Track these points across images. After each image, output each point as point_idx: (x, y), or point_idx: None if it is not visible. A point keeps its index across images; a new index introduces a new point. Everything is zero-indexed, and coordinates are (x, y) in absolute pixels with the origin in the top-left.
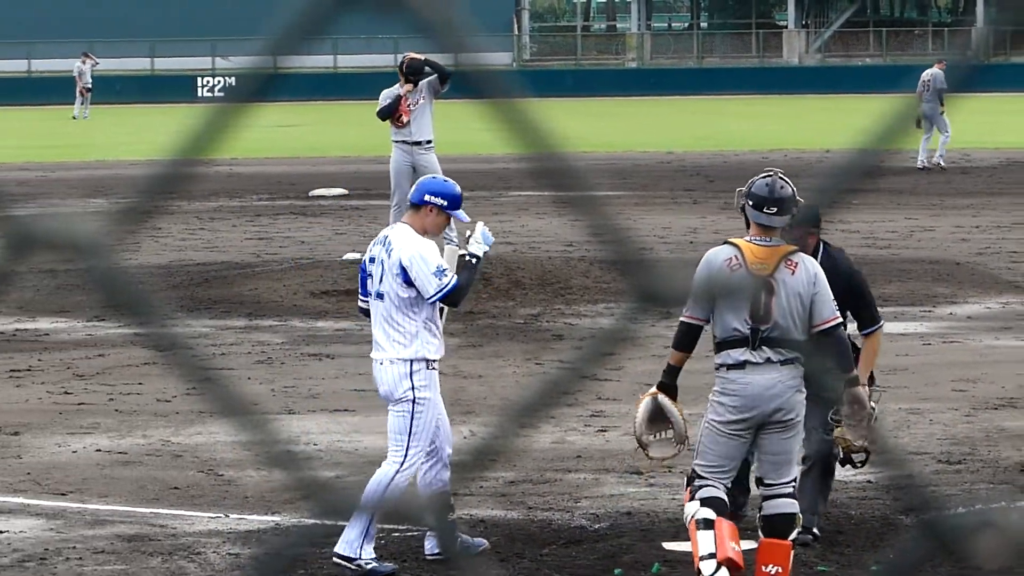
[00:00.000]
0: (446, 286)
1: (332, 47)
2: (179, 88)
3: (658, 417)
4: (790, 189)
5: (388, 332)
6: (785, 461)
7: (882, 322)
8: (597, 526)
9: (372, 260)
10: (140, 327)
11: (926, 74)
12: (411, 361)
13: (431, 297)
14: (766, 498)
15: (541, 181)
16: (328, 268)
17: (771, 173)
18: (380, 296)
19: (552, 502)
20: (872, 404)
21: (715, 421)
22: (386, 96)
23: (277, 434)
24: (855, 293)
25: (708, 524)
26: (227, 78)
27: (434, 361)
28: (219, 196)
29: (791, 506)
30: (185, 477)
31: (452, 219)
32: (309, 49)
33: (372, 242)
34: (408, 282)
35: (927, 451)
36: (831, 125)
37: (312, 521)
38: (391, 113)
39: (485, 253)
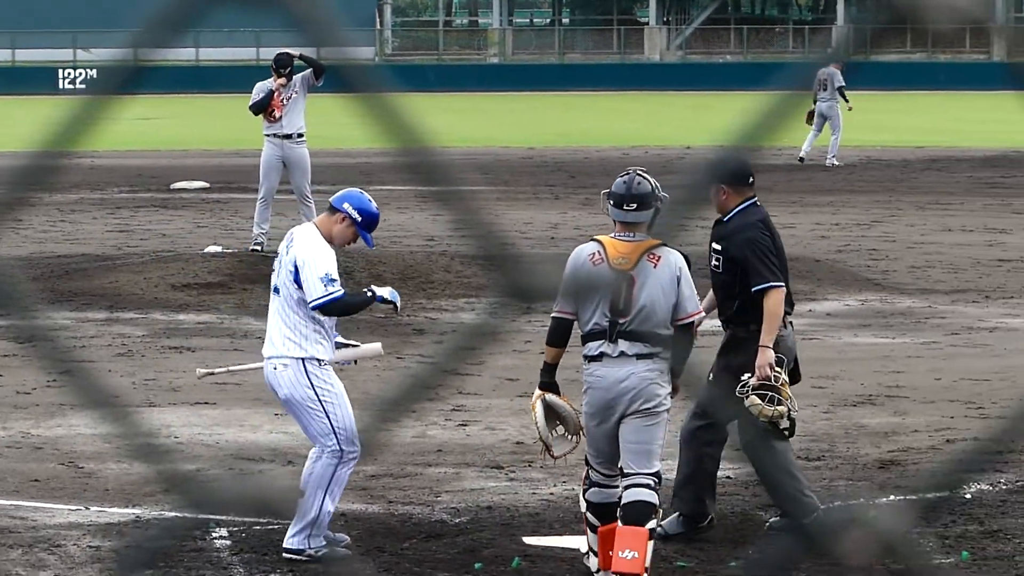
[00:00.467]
0: (328, 295)
1: (194, 40)
2: (41, 80)
3: (551, 416)
4: (649, 185)
5: (281, 329)
6: (645, 451)
7: (775, 284)
8: (457, 520)
9: (276, 255)
10: (0, 318)
11: (822, 72)
12: (303, 360)
13: (311, 303)
14: (627, 487)
15: (404, 175)
16: (189, 261)
17: (630, 171)
18: (276, 291)
19: (412, 496)
20: (779, 371)
21: (584, 411)
22: (260, 90)
23: (138, 427)
24: (748, 250)
25: (594, 528)
26: (89, 70)
27: (324, 361)
28: (80, 188)
29: (650, 495)
30: (45, 469)
31: (358, 239)
32: (172, 42)
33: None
34: (298, 282)
35: None
36: (692, 122)
37: (173, 514)
38: (264, 108)
39: (383, 300)
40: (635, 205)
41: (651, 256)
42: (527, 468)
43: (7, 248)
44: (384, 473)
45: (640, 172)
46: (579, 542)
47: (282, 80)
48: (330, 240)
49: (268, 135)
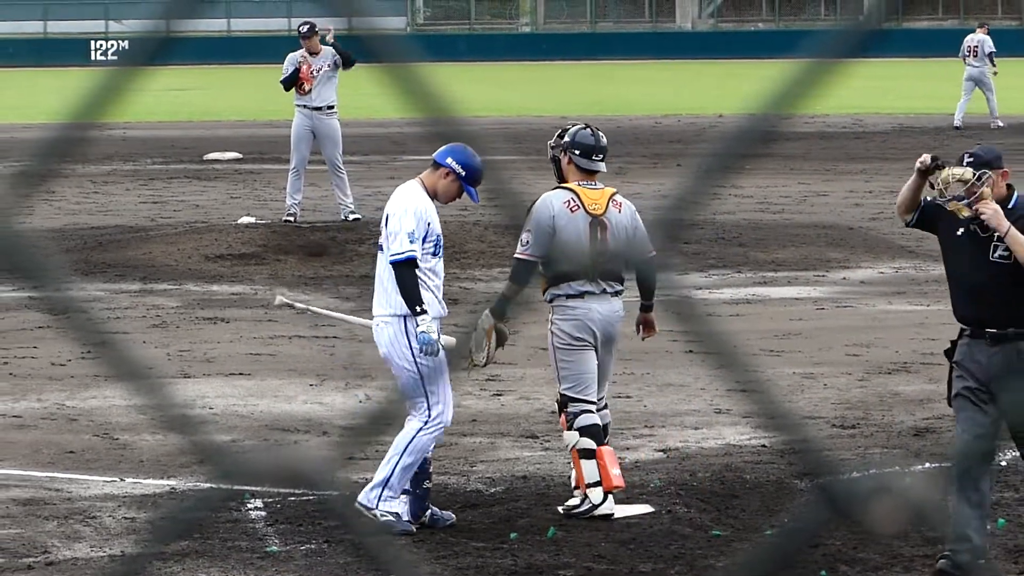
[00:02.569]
0: (404, 253)
1: (225, 11)
2: (73, 52)
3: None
4: (605, 139)
5: (385, 286)
6: (608, 379)
7: None
8: (493, 490)
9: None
10: (35, 290)
11: (971, 39)
12: (403, 318)
13: (391, 256)
14: (598, 409)
15: (436, 145)
16: (223, 232)
17: (586, 125)
18: (381, 248)
19: (448, 466)
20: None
21: (563, 343)
22: (290, 62)
23: (172, 398)
24: None
25: (590, 454)
26: (121, 41)
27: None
28: (113, 160)
29: (608, 416)
30: (80, 441)
31: (463, 194)
32: (203, 13)
33: None
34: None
35: (821, 415)
36: (724, 90)
37: (208, 485)
38: (293, 83)
39: (420, 325)
40: (601, 156)
41: (615, 203)
42: (562, 438)
43: (40, 220)
44: None
45: (594, 127)
46: (617, 509)
47: (312, 42)
48: (434, 196)
49: (299, 105)
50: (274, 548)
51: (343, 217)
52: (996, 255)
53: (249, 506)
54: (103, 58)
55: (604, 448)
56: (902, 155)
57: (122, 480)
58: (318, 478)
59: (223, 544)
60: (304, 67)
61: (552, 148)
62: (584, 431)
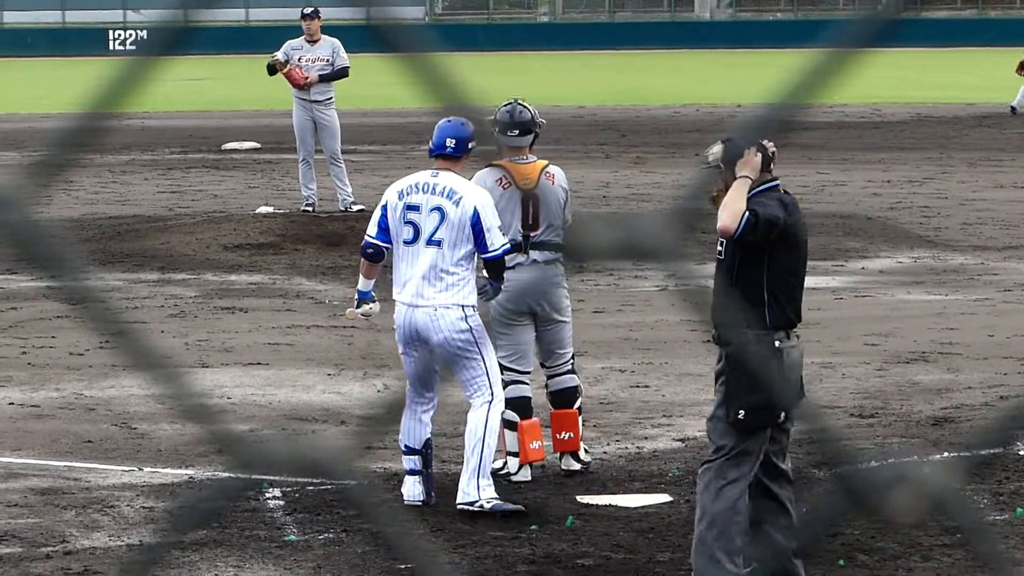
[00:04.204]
0: (505, 247)
1: (244, 0)
2: (91, 41)
3: None
4: (529, 114)
5: (443, 278)
6: (559, 347)
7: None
8: (511, 480)
9: (414, 207)
10: (53, 280)
11: None
12: (464, 307)
13: (498, 249)
14: (550, 377)
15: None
16: (241, 222)
17: (511, 101)
18: (436, 243)
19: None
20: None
21: (498, 314)
22: (286, 51)
23: (190, 387)
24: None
25: (512, 425)
26: (139, 31)
27: (476, 306)
28: (131, 149)
29: (572, 380)
30: (98, 430)
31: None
32: (221, 2)
33: (406, 186)
34: (477, 231)
35: (840, 405)
36: (742, 80)
37: (226, 474)
38: (273, 71)
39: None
40: (517, 131)
41: (547, 175)
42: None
43: (59, 209)
44: (437, 433)
45: (521, 103)
46: (632, 500)
47: (313, 25)
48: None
49: (297, 97)
50: (292, 537)
51: (343, 208)
52: (717, 250)
53: (267, 495)
54: (121, 48)
55: (526, 423)
56: (920, 145)
57: (140, 469)
58: (336, 467)
59: (241, 533)
60: (295, 70)
61: (490, 126)
62: (511, 403)
